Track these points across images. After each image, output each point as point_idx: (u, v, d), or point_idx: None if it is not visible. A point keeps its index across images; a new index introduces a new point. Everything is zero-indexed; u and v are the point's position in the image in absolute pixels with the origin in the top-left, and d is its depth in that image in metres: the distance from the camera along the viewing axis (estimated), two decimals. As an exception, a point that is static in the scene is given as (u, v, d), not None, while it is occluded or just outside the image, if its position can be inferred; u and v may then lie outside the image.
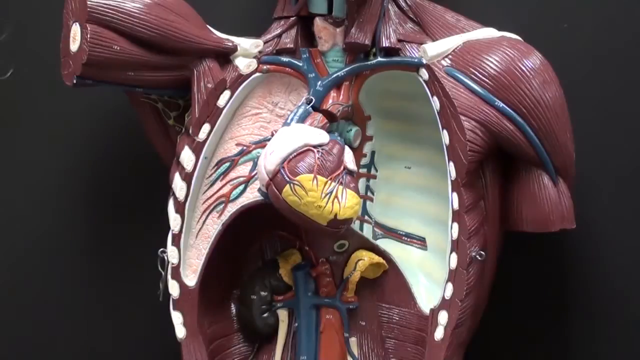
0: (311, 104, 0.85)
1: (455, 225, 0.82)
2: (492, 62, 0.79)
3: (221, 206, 0.89)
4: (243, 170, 0.89)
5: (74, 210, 1.04)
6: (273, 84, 0.89)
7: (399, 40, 0.85)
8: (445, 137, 0.83)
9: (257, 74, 0.88)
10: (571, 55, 0.92)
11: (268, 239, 0.96)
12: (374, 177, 0.92)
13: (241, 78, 0.88)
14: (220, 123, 0.87)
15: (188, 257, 0.89)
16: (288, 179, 0.77)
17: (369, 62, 0.86)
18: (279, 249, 0.95)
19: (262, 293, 0.92)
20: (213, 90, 0.86)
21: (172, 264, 0.88)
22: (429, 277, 0.90)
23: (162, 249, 0.88)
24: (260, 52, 0.88)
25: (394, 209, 0.92)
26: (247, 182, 0.89)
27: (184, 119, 0.91)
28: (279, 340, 0.93)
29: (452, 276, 0.83)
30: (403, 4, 0.86)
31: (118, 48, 0.81)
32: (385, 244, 0.91)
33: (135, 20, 0.81)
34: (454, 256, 0.83)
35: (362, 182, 0.91)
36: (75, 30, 0.81)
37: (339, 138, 0.82)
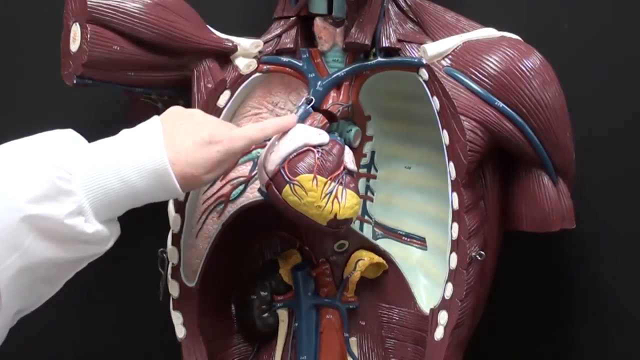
0: (311, 104, 0.85)
1: (455, 225, 0.82)
2: (492, 62, 0.79)
3: (221, 206, 0.89)
4: (243, 170, 0.89)
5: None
6: (273, 84, 0.89)
7: (399, 40, 0.85)
8: (445, 137, 0.82)
9: (257, 74, 0.88)
10: (571, 55, 0.92)
11: (268, 239, 0.95)
12: (374, 177, 0.92)
13: (241, 78, 0.88)
14: (220, 123, 0.87)
15: (188, 257, 0.89)
16: (288, 179, 0.77)
17: (369, 62, 0.86)
18: (279, 249, 0.95)
19: (262, 293, 0.92)
20: (213, 90, 0.86)
21: (172, 264, 0.88)
22: (429, 277, 0.90)
23: (162, 249, 0.88)
24: (260, 52, 0.88)
25: (394, 209, 0.92)
26: (247, 182, 0.89)
27: (184, 119, 0.91)
28: (279, 340, 0.93)
29: (452, 276, 0.83)
30: (403, 4, 0.86)
31: (118, 48, 0.81)
32: (385, 244, 0.91)
33: (135, 20, 0.81)
34: (454, 256, 0.83)
35: (362, 182, 0.91)
36: (75, 30, 0.81)
37: (339, 138, 0.82)
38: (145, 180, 0.69)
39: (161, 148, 0.70)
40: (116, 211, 0.71)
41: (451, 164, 0.82)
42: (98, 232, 0.69)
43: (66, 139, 0.71)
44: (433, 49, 0.83)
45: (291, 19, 0.88)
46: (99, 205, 0.68)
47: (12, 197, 0.65)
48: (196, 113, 0.76)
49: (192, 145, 0.71)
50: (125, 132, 0.73)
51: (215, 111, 0.86)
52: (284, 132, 0.80)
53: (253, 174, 0.89)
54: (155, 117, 0.74)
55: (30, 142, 0.70)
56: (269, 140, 0.81)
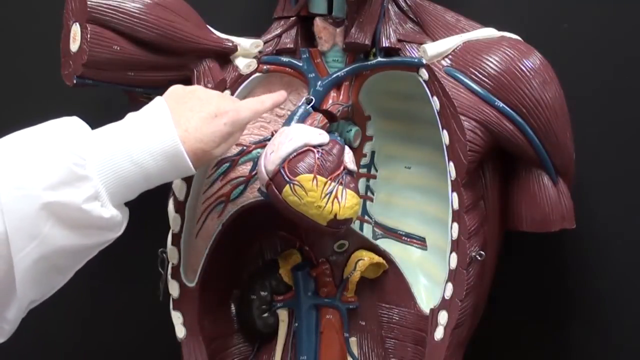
0: (311, 104, 0.85)
1: (455, 225, 0.82)
2: (492, 62, 0.79)
3: (221, 206, 0.89)
4: (243, 170, 0.89)
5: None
6: (273, 84, 0.89)
7: (399, 40, 0.85)
8: (445, 137, 0.82)
9: (257, 74, 0.88)
10: (571, 55, 0.92)
11: (268, 239, 0.95)
12: (374, 177, 0.92)
13: (241, 78, 0.88)
14: (220, 123, 0.87)
15: (188, 257, 0.89)
16: (288, 179, 0.77)
17: (369, 62, 0.86)
18: (279, 249, 0.95)
19: (262, 293, 0.92)
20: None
21: (172, 264, 0.88)
22: (429, 277, 0.90)
23: (162, 249, 0.88)
24: (260, 52, 0.88)
25: (394, 209, 0.92)
26: (247, 182, 0.89)
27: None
28: (279, 340, 0.93)
29: (452, 276, 0.83)
30: (403, 4, 0.86)
31: (118, 48, 0.81)
32: (385, 244, 0.91)
33: (135, 20, 0.81)
34: (454, 256, 0.83)
35: (362, 182, 0.91)
36: (75, 30, 0.81)
37: (339, 138, 0.82)
38: (157, 161, 0.70)
39: (171, 128, 0.70)
40: (130, 194, 0.71)
41: (451, 164, 0.82)
42: (113, 217, 0.69)
43: (74, 125, 0.72)
44: (433, 49, 0.83)
45: (291, 19, 0.88)
46: (114, 190, 0.69)
47: (29, 185, 0.65)
48: (198, 89, 0.77)
49: (199, 121, 0.72)
50: (132, 116, 0.73)
51: (215, 111, 0.86)
52: (283, 132, 0.80)
53: (253, 174, 0.89)
54: (159, 98, 0.74)
55: (40, 130, 0.70)
56: (269, 140, 0.81)
